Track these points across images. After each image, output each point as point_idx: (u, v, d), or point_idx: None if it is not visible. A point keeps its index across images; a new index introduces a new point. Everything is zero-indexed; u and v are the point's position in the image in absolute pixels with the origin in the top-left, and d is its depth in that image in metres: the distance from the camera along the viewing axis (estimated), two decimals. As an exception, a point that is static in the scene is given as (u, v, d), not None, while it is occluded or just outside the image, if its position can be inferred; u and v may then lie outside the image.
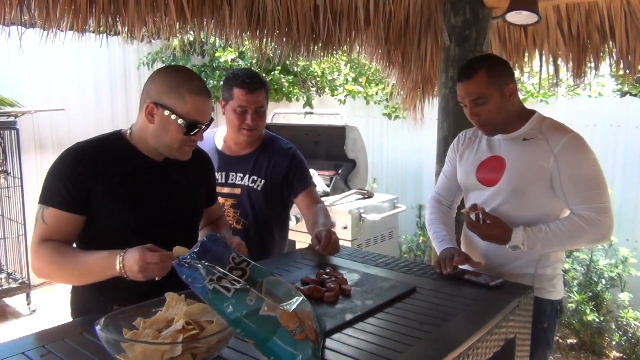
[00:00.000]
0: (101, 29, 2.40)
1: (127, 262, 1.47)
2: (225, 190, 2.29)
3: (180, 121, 1.61)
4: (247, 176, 2.29)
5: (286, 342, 1.16)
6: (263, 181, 2.29)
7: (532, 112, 2.04)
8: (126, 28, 2.46)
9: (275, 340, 1.16)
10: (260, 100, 2.20)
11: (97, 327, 1.18)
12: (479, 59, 2.06)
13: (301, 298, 1.28)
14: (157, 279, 1.48)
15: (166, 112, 1.60)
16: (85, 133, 3.76)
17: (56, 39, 2.34)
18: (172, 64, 5.78)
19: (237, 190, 2.29)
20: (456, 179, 2.24)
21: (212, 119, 1.70)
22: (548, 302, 2.01)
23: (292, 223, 3.90)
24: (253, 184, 2.29)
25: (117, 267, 1.48)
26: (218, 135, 2.40)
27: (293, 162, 2.36)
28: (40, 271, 1.61)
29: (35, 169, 4.98)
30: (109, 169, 1.64)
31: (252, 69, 5.41)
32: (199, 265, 1.19)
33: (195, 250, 1.28)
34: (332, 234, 2.11)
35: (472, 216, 1.92)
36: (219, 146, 2.36)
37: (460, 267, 1.98)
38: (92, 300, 1.71)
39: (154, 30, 2.51)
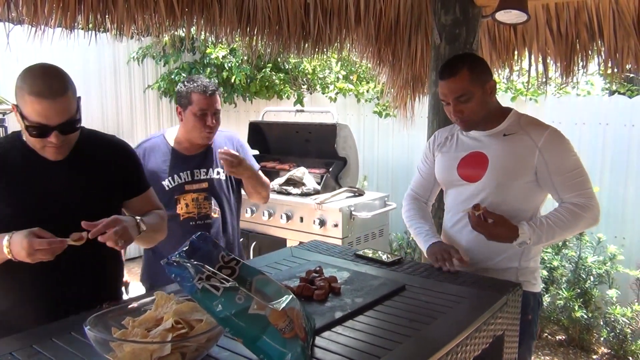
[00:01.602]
0: (90, 26, 2.38)
1: (13, 247, 1.48)
2: (195, 186, 2.47)
3: (26, 123, 1.56)
4: (210, 170, 2.50)
5: (275, 341, 1.16)
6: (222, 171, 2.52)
7: (509, 109, 2.10)
8: (115, 25, 2.45)
9: (264, 339, 1.16)
10: (217, 103, 2.43)
11: (86, 327, 1.18)
12: (459, 57, 2.12)
13: (290, 297, 1.29)
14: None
15: (18, 112, 1.57)
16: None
17: (44, 36, 2.32)
18: (162, 59, 5.76)
19: (205, 184, 2.48)
20: (432, 177, 2.29)
21: (71, 119, 1.61)
22: (531, 295, 2.07)
23: (282, 221, 3.92)
24: (217, 176, 2.52)
25: (5, 251, 1.48)
26: (168, 136, 2.53)
27: (241, 145, 2.64)
28: None
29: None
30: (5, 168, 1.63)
31: (244, 66, 5.40)
32: (188, 264, 1.18)
33: (184, 248, 1.28)
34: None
35: (477, 215, 1.92)
36: (173, 146, 2.50)
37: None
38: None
39: (143, 28, 2.50)
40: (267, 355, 1.17)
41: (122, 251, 1.86)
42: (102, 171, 1.80)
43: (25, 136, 1.63)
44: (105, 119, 5.68)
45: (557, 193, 1.98)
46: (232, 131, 2.74)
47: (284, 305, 1.23)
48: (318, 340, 1.35)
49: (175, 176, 2.43)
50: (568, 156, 1.97)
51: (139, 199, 1.92)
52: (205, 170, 2.49)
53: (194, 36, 2.91)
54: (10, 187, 1.63)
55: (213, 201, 2.49)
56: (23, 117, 1.55)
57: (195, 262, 1.19)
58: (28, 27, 2.23)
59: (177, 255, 1.22)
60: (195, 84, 2.37)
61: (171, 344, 1.15)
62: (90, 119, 5.47)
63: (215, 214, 2.50)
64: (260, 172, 2.61)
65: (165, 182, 2.42)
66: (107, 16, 2.37)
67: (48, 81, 1.54)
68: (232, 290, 1.17)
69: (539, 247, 2.09)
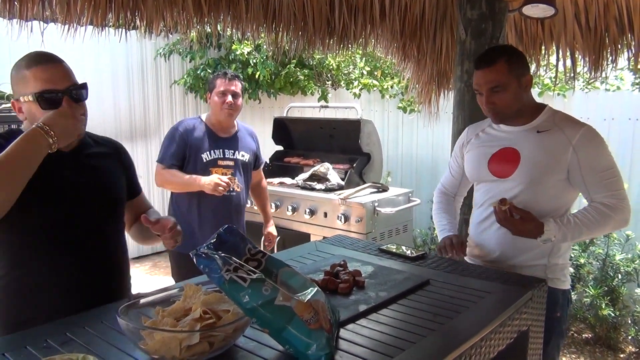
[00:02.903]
0: (120, 22, 2.43)
1: (51, 124, 1.48)
2: (225, 162, 2.97)
3: (30, 98, 1.56)
4: (236, 152, 3.02)
5: (301, 332, 1.19)
6: (249, 155, 3.08)
7: (544, 106, 2.07)
8: (144, 22, 2.49)
9: (290, 330, 1.19)
10: (236, 86, 2.93)
11: (118, 316, 1.21)
12: (499, 48, 2.12)
13: (315, 289, 1.31)
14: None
15: (21, 99, 1.58)
16: (103, 125, 3.83)
17: (76, 34, 2.38)
18: (188, 55, 5.83)
19: (232, 162, 2.99)
20: (461, 173, 2.29)
21: (78, 84, 1.64)
22: (560, 292, 2.04)
23: (306, 216, 3.94)
24: (242, 158, 3.04)
25: (48, 139, 1.47)
26: (204, 118, 3.03)
27: (257, 141, 3.21)
28: None
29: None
30: None
31: (268, 62, 5.44)
32: (216, 256, 1.21)
33: (212, 241, 1.31)
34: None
35: (504, 210, 1.91)
36: (211, 127, 3.00)
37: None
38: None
39: (171, 25, 2.54)
40: (292, 345, 1.19)
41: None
42: (109, 165, 1.83)
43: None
44: (132, 113, 5.77)
45: (588, 192, 1.95)
46: (252, 128, 3.28)
47: (309, 297, 1.25)
48: (342, 333, 1.37)
49: (212, 151, 2.93)
50: (602, 155, 1.94)
51: (140, 198, 1.97)
52: (232, 151, 2.99)
53: (220, 32, 2.97)
54: None
55: (238, 177, 2.98)
56: (29, 100, 1.57)
57: (222, 254, 1.22)
58: (61, 25, 2.29)
59: (205, 247, 1.26)
60: (219, 72, 2.96)
61: (199, 333, 1.18)
62: (118, 114, 5.58)
63: (239, 188, 2.97)
64: (262, 178, 3.36)
65: (204, 155, 2.91)
66: (136, 13, 2.42)
67: (43, 54, 1.62)
68: (258, 281, 1.19)
69: (568, 244, 2.06)
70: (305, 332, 1.19)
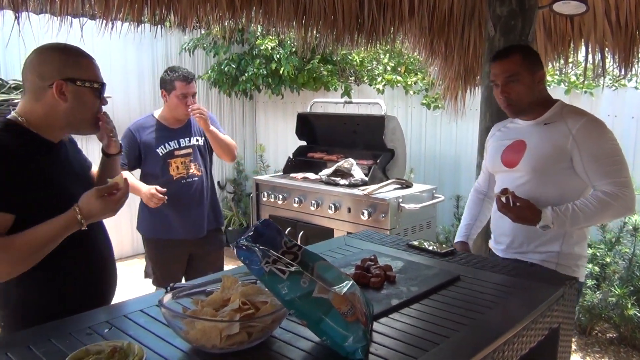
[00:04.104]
0: (156, 19, 2.48)
1: (89, 211, 1.55)
2: (182, 152, 3.10)
3: (95, 85, 1.65)
4: (192, 138, 3.15)
5: (338, 324, 1.21)
6: (202, 138, 3.18)
7: (555, 101, 2.15)
8: (178, 18, 2.53)
9: (327, 322, 1.21)
10: (194, 88, 3.06)
11: (160, 305, 1.25)
12: (514, 45, 2.28)
13: (351, 282, 1.33)
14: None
15: (78, 83, 1.61)
16: (128, 119, 3.88)
17: (114, 30, 2.43)
18: (212, 50, 5.87)
19: (190, 150, 3.12)
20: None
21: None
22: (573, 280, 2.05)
23: (330, 212, 3.97)
24: (197, 142, 3.17)
25: (78, 218, 1.53)
26: (156, 115, 3.16)
27: (210, 116, 3.17)
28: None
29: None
30: (25, 159, 1.57)
31: (292, 57, 5.46)
32: (256, 248, 1.24)
33: (250, 234, 1.34)
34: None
35: (503, 199, 2.01)
36: (161, 121, 3.12)
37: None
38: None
39: (204, 20, 2.58)
40: (330, 337, 1.22)
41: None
42: (80, 157, 1.89)
43: (89, 105, 1.66)
44: (157, 106, 5.82)
45: (590, 180, 2.01)
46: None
47: (345, 290, 1.27)
48: (376, 326, 1.39)
49: (166, 144, 3.06)
50: (602, 143, 1.99)
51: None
52: (188, 139, 3.13)
53: (243, 27, 3.04)
54: (39, 170, 1.60)
55: (197, 162, 3.15)
56: (86, 86, 1.63)
57: (262, 247, 1.25)
58: (99, 21, 2.34)
59: (244, 240, 1.29)
60: (176, 74, 3.00)
61: (239, 323, 1.21)
62: (143, 107, 5.64)
63: (199, 172, 3.14)
64: (225, 135, 3.20)
65: (159, 150, 3.05)
66: (171, 9, 2.46)
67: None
68: (297, 274, 1.22)
69: (582, 232, 2.11)
70: (342, 325, 1.21)
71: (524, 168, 2.09)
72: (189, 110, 2.98)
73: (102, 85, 1.69)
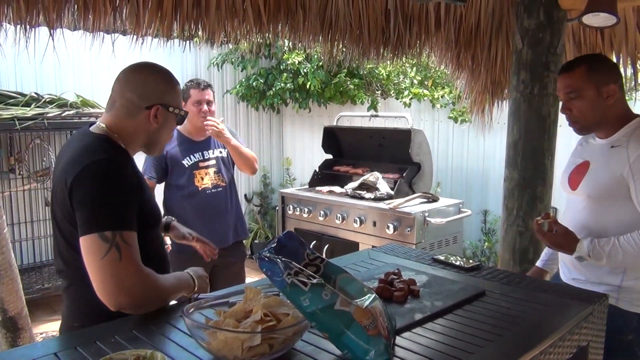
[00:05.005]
0: (185, 34, 2.54)
1: (198, 281, 1.69)
2: (207, 163, 3.20)
3: (181, 113, 1.72)
4: (216, 150, 3.25)
5: (360, 337, 1.20)
6: (225, 150, 3.25)
7: (631, 119, 1.97)
8: (207, 32, 2.59)
9: (349, 335, 1.20)
10: (209, 95, 3.14)
11: (184, 315, 1.26)
12: (584, 56, 2.14)
13: (373, 295, 1.32)
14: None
15: (170, 109, 1.67)
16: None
17: (143, 45, 2.49)
18: (240, 65, 5.95)
19: (214, 162, 3.22)
20: None
21: None
22: (635, 316, 1.94)
23: (355, 225, 3.96)
24: (220, 154, 3.26)
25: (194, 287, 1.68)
26: (180, 127, 3.21)
27: (231, 131, 3.27)
28: (145, 299, 1.50)
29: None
30: (132, 174, 1.60)
31: (319, 71, 5.50)
32: (278, 260, 1.24)
33: (273, 245, 1.34)
34: None
35: (540, 223, 1.95)
36: (183, 133, 3.20)
37: None
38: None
39: (231, 35, 2.63)
40: (351, 350, 1.21)
41: None
42: None
43: (169, 130, 1.73)
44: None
45: None
46: (227, 124, 3.47)
47: (367, 303, 1.26)
48: (399, 340, 1.37)
49: (191, 156, 3.15)
50: None
51: None
52: (211, 151, 3.23)
53: (270, 42, 3.11)
54: (146, 194, 1.65)
55: (221, 173, 3.23)
56: (177, 112, 1.71)
57: (284, 259, 1.25)
58: (130, 36, 2.41)
59: (267, 251, 1.29)
60: (191, 82, 3.16)
61: (261, 334, 1.21)
62: (173, 122, 5.73)
63: (224, 183, 3.22)
64: (244, 148, 3.27)
65: (185, 162, 3.13)
66: (200, 24, 2.51)
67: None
68: (319, 286, 1.22)
69: None
70: (364, 338, 1.20)
71: (581, 193, 1.98)
72: (204, 124, 3.05)
73: (186, 113, 1.76)
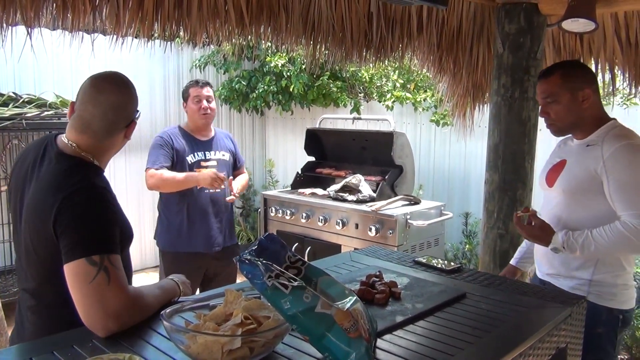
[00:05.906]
0: (166, 34, 2.51)
1: (183, 287, 1.67)
2: (207, 163, 3.22)
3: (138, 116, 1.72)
4: (218, 152, 3.30)
5: (341, 340, 1.20)
6: (229, 154, 3.36)
7: (607, 121, 2.06)
8: (188, 34, 2.57)
9: (330, 338, 1.20)
10: (208, 92, 3.22)
11: (163, 319, 1.25)
12: (560, 62, 2.26)
13: (354, 298, 1.32)
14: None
15: (136, 117, 1.70)
16: (139, 136, 3.91)
17: (123, 45, 2.46)
18: (223, 67, 5.92)
19: (215, 162, 3.25)
20: None
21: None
22: (605, 309, 2.00)
23: (337, 227, 3.96)
24: (223, 157, 3.32)
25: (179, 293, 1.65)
26: (182, 126, 3.30)
27: (235, 143, 3.50)
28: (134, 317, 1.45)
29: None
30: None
31: (302, 74, 5.49)
32: (259, 262, 1.23)
33: (254, 248, 1.33)
34: None
35: (520, 215, 2.05)
36: (190, 133, 3.25)
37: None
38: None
39: (213, 36, 2.61)
40: (332, 353, 1.20)
41: None
42: None
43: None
44: (168, 122, 5.88)
45: (615, 208, 1.92)
46: (227, 131, 3.72)
47: (348, 305, 1.26)
48: (380, 343, 1.37)
49: (195, 154, 3.19)
50: (629, 171, 1.89)
51: None
52: (213, 152, 3.27)
53: (253, 45, 3.12)
54: (124, 215, 1.59)
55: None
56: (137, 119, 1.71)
57: (265, 261, 1.25)
58: (110, 36, 2.38)
59: (248, 254, 1.28)
60: (190, 82, 3.26)
61: (241, 338, 1.20)
62: (154, 124, 5.69)
63: (222, 185, 3.16)
64: (244, 178, 3.49)
65: (189, 158, 3.17)
66: (181, 25, 2.50)
67: None
68: (299, 289, 1.21)
69: (617, 260, 2.01)
70: (344, 341, 1.20)
71: (557, 189, 2.08)
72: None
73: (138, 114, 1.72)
